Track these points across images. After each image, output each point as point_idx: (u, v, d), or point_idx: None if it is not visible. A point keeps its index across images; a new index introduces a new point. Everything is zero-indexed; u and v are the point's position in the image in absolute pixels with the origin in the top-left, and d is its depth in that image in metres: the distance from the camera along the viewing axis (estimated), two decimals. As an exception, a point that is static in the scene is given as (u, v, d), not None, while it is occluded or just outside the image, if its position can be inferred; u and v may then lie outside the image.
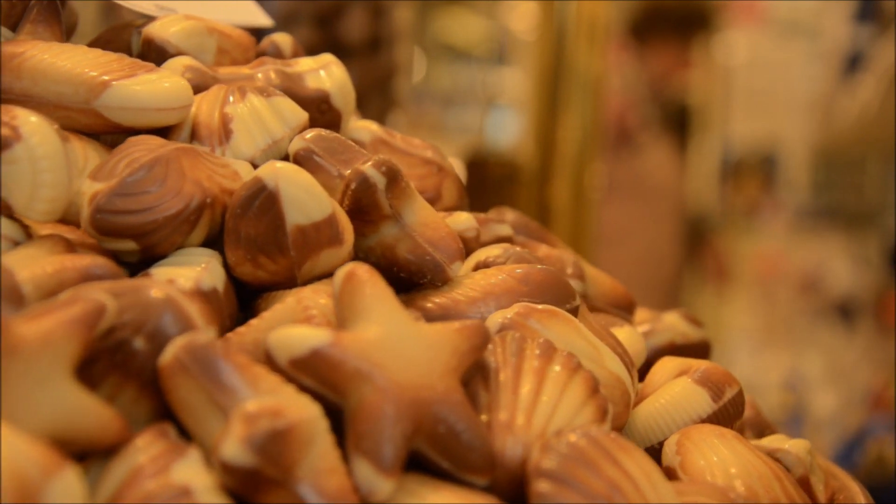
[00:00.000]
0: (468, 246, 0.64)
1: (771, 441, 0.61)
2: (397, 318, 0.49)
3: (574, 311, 0.59)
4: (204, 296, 0.53)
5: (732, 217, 3.70)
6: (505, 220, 0.72)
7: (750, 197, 3.84)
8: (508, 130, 3.66)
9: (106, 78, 0.61)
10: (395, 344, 0.48)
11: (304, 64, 0.71)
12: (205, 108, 0.64)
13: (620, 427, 0.57)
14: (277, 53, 0.76)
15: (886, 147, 2.75)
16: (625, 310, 0.75)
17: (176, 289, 0.51)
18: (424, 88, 4.46)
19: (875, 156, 3.22)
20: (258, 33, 0.81)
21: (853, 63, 2.60)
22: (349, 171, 0.57)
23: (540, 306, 0.56)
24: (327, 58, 0.72)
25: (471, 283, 0.59)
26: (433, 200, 0.71)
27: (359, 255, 0.60)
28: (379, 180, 0.57)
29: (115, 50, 0.71)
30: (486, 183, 2.33)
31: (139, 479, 0.43)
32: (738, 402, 0.62)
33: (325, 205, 0.55)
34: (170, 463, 0.44)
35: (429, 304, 0.58)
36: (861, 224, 3.29)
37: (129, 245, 0.54)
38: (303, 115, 0.65)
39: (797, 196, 3.73)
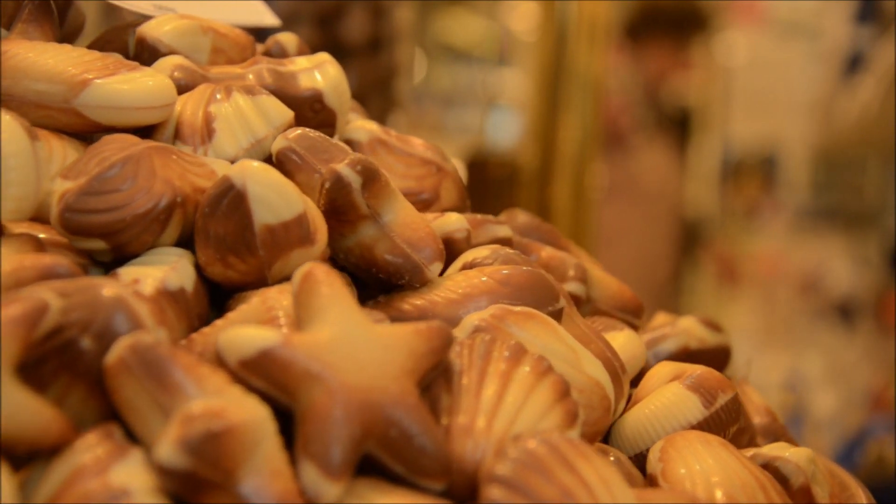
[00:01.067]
0: (458, 247, 0.64)
1: (772, 449, 0.60)
2: (352, 319, 0.48)
3: (557, 314, 0.58)
4: (170, 296, 0.53)
5: (732, 218, 3.70)
6: (503, 221, 0.71)
7: (750, 197, 3.84)
8: (509, 131, 3.66)
9: (85, 76, 0.60)
10: (347, 345, 0.47)
11: (299, 63, 0.70)
12: (189, 107, 0.64)
13: (600, 432, 0.56)
14: (281, 53, 0.76)
15: (886, 147, 2.75)
16: (631, 313, 0.74)
17: (128, 288, 0.50)
18: (425, 89, 4.46)
19: (875, 156, 3.22)
20: (263, 33, 0.81)
21: (853, 64, 2.60)
22: (325, 171, 0.57)
23: (517, 308, 0.55)
24: (322, 57, 0.71)
25: (450, 284, 0.58)
26: (431, 201, 0.71)
27: (339, 255, 0.59)
28: (354, 179, 0.56)
29: (114, 50, 0.71)
30: (486, 183, 2.33)
31: (79, 480, 0.43)
32: (732, 408, 0.60)
33: (295, 204, 0.54)
34: (111, 464, 0.43)
35: (406, 306, 0.57)
36: (861, 224, 3.28)
37: (98, 244, 0.54)
38: (288, 115, 0.64)
39: (797, 196, 3.73)
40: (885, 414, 1.87)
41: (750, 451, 0.60)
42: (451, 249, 0.63)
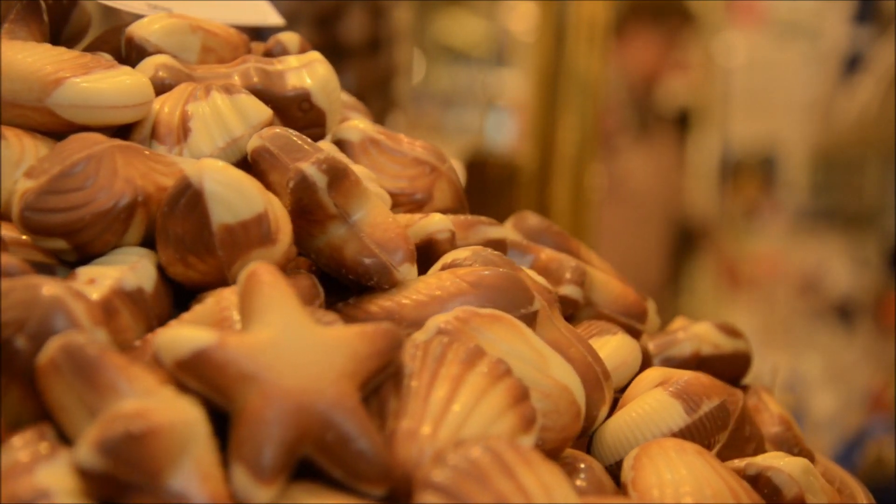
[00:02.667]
0: (441, 248, 0.63)
1: (766, 458, 0.59)
2: (293, 320, 0.48)
3: (530, 317, 0.57)
4: (127, 296, 0.52)
5: (732, 218, 3.70)
6: (496, 223, 0.70)
7: (749, 198, 3.84)
8: (508, 131, 3.66)
9: (59, 75, 0.60)
10: (285, 347, 0.46)
11: (288, 62, 0.70)
12: (168, 106, 0.63)
13: (570, 437, 0.54)
14: (283, 52, 0.75)
15: (886, 148, 2.75)
16: (634, 317, 0.73)
17: (68, 288, 0.49)
18: (424, 89, 4.46)
19: (874, 157, 3.22)
20: (266, 32, 0.81)
21: (852, 64, 2.60)
22: (290, 170, 0.56)
23: (483, 310, 0.54)
24: (312, 56, 0.70)
25: (420, 286, 0.57)
26: (424, 201, 0.70)
27: (311, 256, 0.58)
28: (319, 179, 0.55)
29: (109, 51, 0.70)
30: (485, 184, 2.32)
31: (8, 479, 0.42)
32: (718, 415, 0.59)
33: (255, 203, 0.54)
34: (38, 464, 0.43)
35: (373, 308, 0.56)
36: (860, 225, 3.28)
37: (59, 244, 0.54)
38: (266, 114, 0.64)
39: (796, 197, 3.73)
40: (884, 414, 1.87)
41: (744, 461, 0.59)
42: (434, 250, 0.62)
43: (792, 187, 3.76)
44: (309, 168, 0.55)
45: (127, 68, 0.63)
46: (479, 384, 0.49)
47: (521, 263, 0.70)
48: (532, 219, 0.77)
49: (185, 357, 0.44)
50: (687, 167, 3.14)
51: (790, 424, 0.70)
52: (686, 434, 0.58)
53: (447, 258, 0.61)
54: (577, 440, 0.58)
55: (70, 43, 0.75)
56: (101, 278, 0.53)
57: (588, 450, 0.60)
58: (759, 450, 0.65)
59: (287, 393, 0.44)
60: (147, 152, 0.58)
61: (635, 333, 0.71)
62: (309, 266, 0.60)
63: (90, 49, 0.73)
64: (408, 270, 0.57)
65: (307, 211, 0.56)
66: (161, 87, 0.66)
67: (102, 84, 0.60)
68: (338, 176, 0.56)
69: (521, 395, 0.50)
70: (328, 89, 0.69)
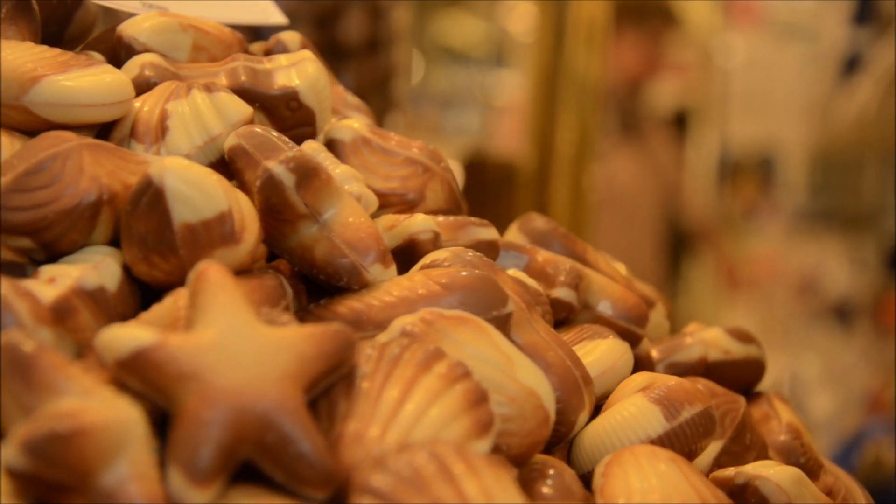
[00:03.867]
0: (424, 249, 0.62)
1: (756, 467, 0.58)
2: (238, 320, 0.47)
3: (503, 319, 0.56)
4: (87, 295, 0.52)
5: (730, 219, 3.70)
6: (487, 224, 0.69)
7: (748, 199, 3.84)
8: (507, 132, 3.66)
9: (36, 73, 0.59)
10: (227, 347, 0.45)
11: (278, 61, 0.69)
12: (148, 105, 0.63)
13: (537, 443, 0.53)
14: (284, 52, 0.75)
15: (884, 149, 2.75)
16: (633, 321, 0.71)
17: (14, 286, 0.48)
18: (423, 90, 4.46)
19: (873, 158, 3.22)
20: (266, 32, 0.81)
21: (851, 65, 2.60)
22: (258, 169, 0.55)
23: (449, 312, 0.53)
24: (302, 55, 0.69)
25: (391, 287, 0.56)
26: (416, 202, 0.69)
27: (284, 256, 0.58)
28: (287, 178, 0.54)
29: (104, 51, 0.70)
30: (484, 185, 2.32)
31: None
32: (700, 422, 0.58)
33: (217, 201, 0.53)
34: None
35: (342, 309, 0.55)
36: (859, 226, 3.29)
37: (25, 242, 0.53)
38: (245, 112, 0.63)
39: (795, 198, 3.73)
40: (883, 415, 1.88)
41: (733, 470, 0.58)
42: (417, 251, 0.62)
43: (790, 188, 3.76)
44: (276, 167, 0.54)
45: (108, 66, 0.63)
46: (433, 387, 0.48)
47: (515, 266, 0.70)
48: (538, 221, 0.76)
49: (126, 356, 0.44)
50: (683, 168, 3.13)
51: (799, 433, 0.69)
52: (665, 441, 0.57)
53: (426, 259, 0.61)
54: (557, 446, 0.57)
55: (73, 43, 0.75)
56: (61, 277, 0.52)
57: (568, 456, 0.59)
58: (761, 458, 0.64)
59: (226, 393, 0.44)
60: (118, 151, 0.57)
61: (635, 338, 0.70)
62: (291, 267, 0.60)
63: (87, 48, 0.72)
64: (378, 271, 0.56)
65: (276, 210, 0.55)
66: (147, 86, 0.65)
67: (79, 82, 0.60)
68: (307, 175, 0.55)
69: (478, 399, 0.49)
70: (317, 88, 0.68)
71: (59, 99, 0.59)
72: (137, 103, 0.63)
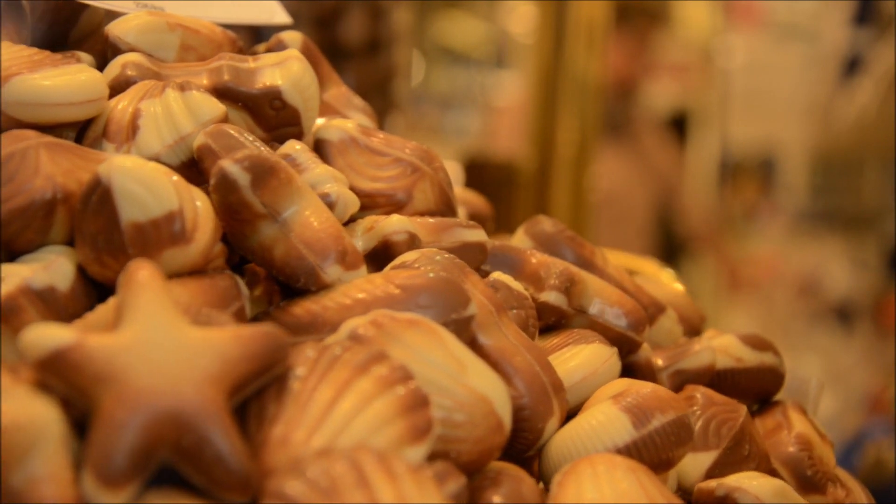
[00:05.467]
0: (398, 250, 0.61)
1: (739, 479, 0.57)
2: (162, 321, 0.46)
3: (463, 322, 0.54)
4: (34, 294, 0.52)
5: (731, 220, 3.70)
6: (475, 225, 0.67)
7: (748, 200, 3.85)
8: (507, 133, 3.66)
9: (6, 73, 0.58)
10: (147, 348, 0.45)
11: (264, 60, 0.68)
12: (122, 104, 0.62)
13: (488, 450, 0.51)
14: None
15: (885, 150, 2.75)
16: (630, 326, 0.69)
17: None
18: (423, 91, 4.46)
19: (873, 159, 3.23)
20: (269, 31, 0.80)
21: (851, 66, 2.60)
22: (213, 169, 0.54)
23: (401, 315, 0.52)
24: (289, 53, 0.68)
25: (347, 289, 0.55)
26: (404, 203, 0.67)
27: (248, 257, 0.57)
28: (241, 177, 0.53)
29: (100, 52, 0.70)
30: (484, 186, 2.32)
31: None
32: (672, 430, 0.56)
33: (166, 200, 0.52)
34: None
35: (299, 311, 0.54)
36: (859, 227, 3.29)
37: None
38: (218, 110, 0.62)
39: (795, 199, 3.74)
40: (884, 416, 1.87)
41: (715, 481, 0.57)
42: (392, 253, 0.61)
43: (791, 189, 3.77)
44: (230, 166, 0.53)
45: (82, 66, 0.62)
46: (367, 390, 0.47)
47: (508, 268, 0.69)
48: (545, 223, 0.75)
49: (45, 356, 0.44)
50: (682, 169, 3.12)
51: (809, 445, 0.67)
52: (633, 449, 0.55)
53: (397, 261, 0.60)
54: (527, 454, 0.56)
55: (79, 44, 0.75)
56: (10, 276, 0.52)
57: (538, 462, 0.57)
58: (760, 469, 0.63)
59: (142, 395, 0.43)
60: (78, 150, 0.57)
61: (632, 344, 0.69)
62: None
63: (86, 50, 0.72)
64: (337, 272, 0.55)
65: (234, 210, 0.54)
66: (128, 86, 0.64)
67: (49, 81, 0.59)
68: (263, 174, 0.54)
69: (416, 404, 0.47)
70: (301, 87, 0.66)
71: (30, 98, 0.58)
72: (112, 103, 0.62)
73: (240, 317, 0.54)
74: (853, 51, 2.63)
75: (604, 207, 2.52)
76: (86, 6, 0.74)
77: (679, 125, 3.74)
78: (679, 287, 1.06)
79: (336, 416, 0.46)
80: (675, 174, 2.87)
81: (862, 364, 2.46)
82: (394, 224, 0.62)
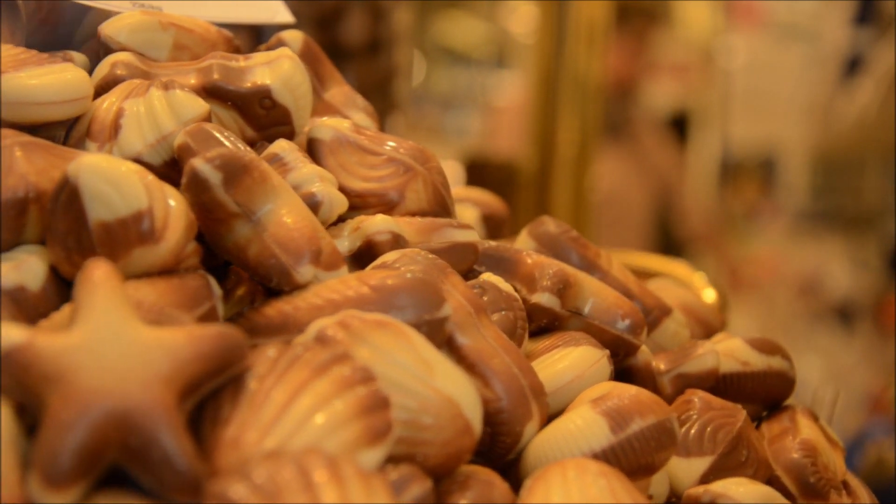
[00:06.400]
0: (382, 250, 0.60)
1: (725, 485, 0.56)
2: (114, 321, 0.46)
3: (437, 323, 0.53)
4: (5, 294, 0.51)
5: (731, 220, 3.70)
6: (467, 226, 0.67)
7: (749, 200, 3.84)
8: (508, 133, 3.67)
9: None
10: (96, 348, 0.44)
11: (256, 58, 0.67)
12: (107, 103, 0.62)
13: (456, 454, 0.50)
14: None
15: (885, 150, 2.76)
16: (627, 329, 0.68)
17: None
18: (424, 91, 4.46)
19: (874, 159, 3.23)
20: (271, 31, 0.80)
21: (852, 66, 2.60)
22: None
23: (368, 315, 0.51)
24: (280, 52, 0.68)
25: (321, 289, 0.54)
26: (396, 203, 0.67)
27: (225, 257, 0.57)
28: (212, 176, 0.53)
29: (97, 52, 0.70)
30: (485, 186, 2.32)
31: None
32: (652, 435, 0.55)
33: (134, 199, 0.51)
34: None
35: (271, 312, 0.54)
36: (860, 227, 3.29)
37: None
38: (200, 109, 0.61)
39: (796, 199, 3.73)
40: (884, 417, 1.87)
41: (702, 488, 0.57)
42: (375, 253, 0.61)
43: (792, 189, 3.76)
44: (201, 164, 0.53)
45: (68, 65, 0.62)
46: (325, 391, 0.46)
47: (503, 269, 0.68)
48: (549, 225, 0.74)
49: None
50: (682, 170, 3.12)
51: (814, 451, 0.65)
52: (610, 454, 0.54)
53: (378, 261, 0.59)
54: (507, 458, 0.56)
55: (83, 46, 0.75)
56: None
57: (516, 467, 0.57)
58: (757, 475, 0.62)
59: (89, 395, 0.43)
60: (55, 149, 0.57)
61: (629, 347, 0.68)
62: None
63: (86, 50, 0.72)
64: (309, 272, 0.55)
65: (207, 209, 0.54)
66: (117, 85, 0.64)
67: (35, 80, 0.59)
68: (235, 172, 0.54)
69: (375, 405, 0.47)
70: (291, 85, 0.66)
71: (14, 96, 0.58)
72: (98, 102, 0.62)
73: (211, 317, 0.53)
74: (854, 51, 2.63)
75: (604, 207, 2.52)
76: (89, 8, 0.74)
77: (679, 125, 3.74)
78: (707, 290, 1.04)
79: (291, 417, 0.45)
80: (676, 174, 2.86)
81: (863, 364, 2.46)
82: (377, 224, 0.61)
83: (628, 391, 0.57)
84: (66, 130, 0.62)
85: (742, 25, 3.81)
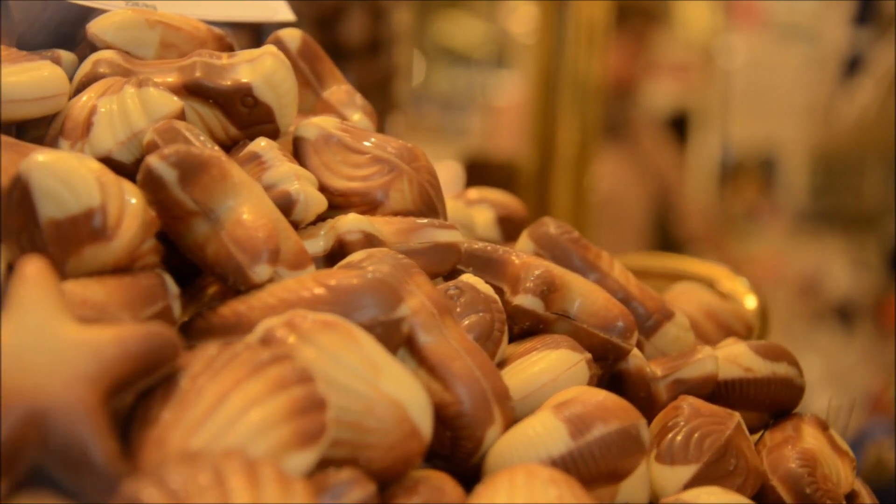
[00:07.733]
0: (352, 250, 0.60)
1: (698, 494, 0.55)
2: (39, 319, 0.45)
3: (393, 324, 0.52)
4: None
5: (731, 220, 3.70)
6: (451, 226, 0.66)
7: (749, 200, 3.84)
8: (508, 133, 3.67)
9: None
10: (19, 346, 0.44)
11: (240, 56, 0.67)
12: (82, 101, 0.62)
13: (404, 458, 0.50)
14: (283, 51, 0.74)
15: (885, 150, 2.75)
16: (618, 333, 0.66)
17: None
18: (424, 91, 4.47)
19: (874, 159, 3.23)
20: (270, 30, 0.80)
21: (852, 66, 2.60)
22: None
23: (316, 315, 0.50)
24: (265, 49, 0.67)
25: (275, 289, 0.53)
26: (380, 202, 0.66)
27: (187, 255, 0.56)
28: (167, 173, 0.52)
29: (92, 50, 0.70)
30: (485, 186, 2.32)
31: None
32: (615, 441, 0.53)
33: (86, 197, 0.51)
34: None
35: (227, 311, 0.53)
36: (860, 227, 3.29)
37: None
38: (172, 106, 0.61)
39: (796, 199, 3.74)
40: (884, 417, 1.87)
41: (673, 497, 0.55)
42: (346, 252, 0.60)
43: (791, 189, 3.77)
44: (156, 162, 0.52)
45: (45, 62, 0.62)
46: (257, 391, 0.45)
47: (489, 270, 0.67)
48: (549, 226, 0.72)
49: None
50: (682, 170, 3.12)
51: (814, 462, 0.63)
52: (569, 460, 0.53)
53: (344, 261, 0.59)
54: (470, 462, 0.55)
55: (79, 44, 0.75)
56: None
57: (479, 472, 0.55)
58: (747, 485, 0.60)
59: (9, 393, 0.42)
60: (19, 146, 0.56)
61: (618, 351, 0.66)
62: None
63: (84, 50, 0.72)
64: (265, 272, 0.54)
65: (165, 207, 0.53)
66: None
67: (11, 77, 0.59)
68: (191, 170, 0.53)
69: (310, 407, 0.46)
70: (273, 83, 0.65)
71: None
72: (74, 100, 0.62)
73: (164, 316, 0.53)
74: (853, 51, 2.63)
75: (603, 208, 2.52)
76: (90, 10, 0.74)
77: (679, 125, 3.74)
78: (749, 297, 1.01)
79: (219, 417, 0.44)
80: (675, 174, 2.86)
81: (863, 364, 2.46)
82: (348, 223, 0.61)
83: (595, 396, 0.55)
84: (45, 129, 0.62)
85: (742, 25, 3.81)
